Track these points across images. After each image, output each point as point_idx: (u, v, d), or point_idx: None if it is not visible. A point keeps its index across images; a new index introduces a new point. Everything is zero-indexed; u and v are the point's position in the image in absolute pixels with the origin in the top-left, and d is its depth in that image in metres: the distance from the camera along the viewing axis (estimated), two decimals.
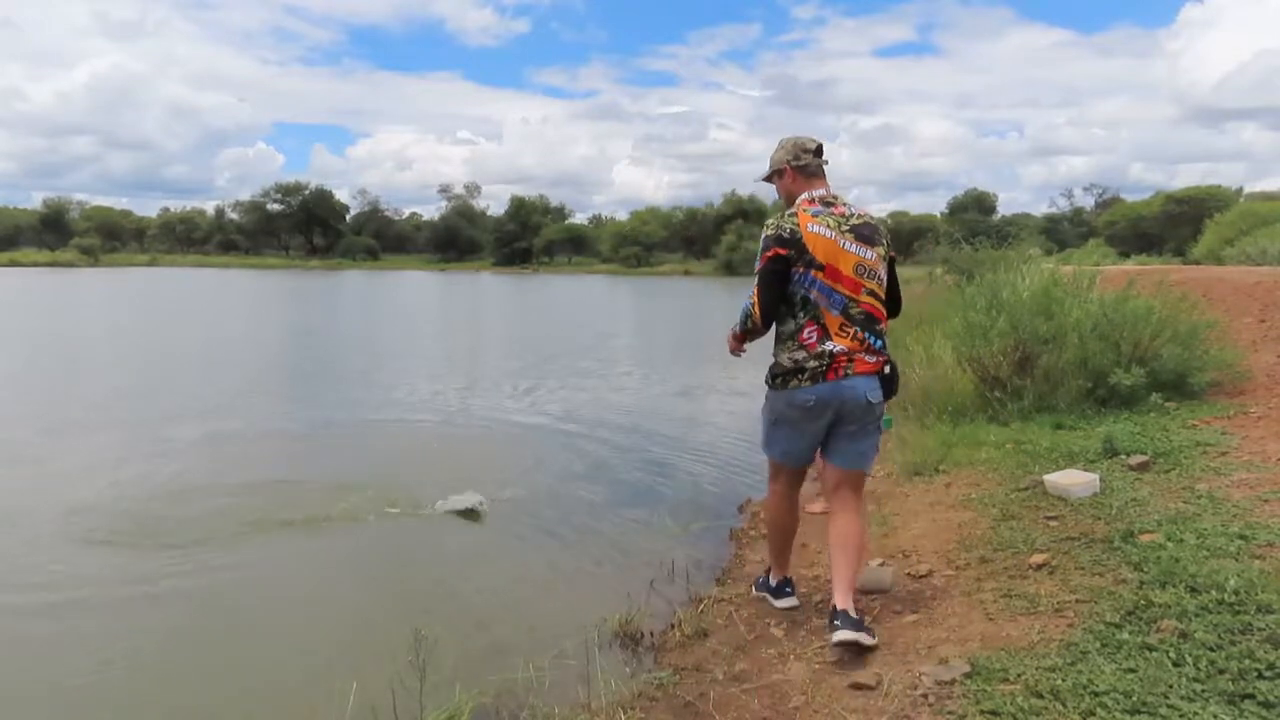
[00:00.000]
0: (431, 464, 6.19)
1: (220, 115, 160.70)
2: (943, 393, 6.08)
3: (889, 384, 2.90)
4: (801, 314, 2.83)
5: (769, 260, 2.85)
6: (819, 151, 3.00)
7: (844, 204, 2.93)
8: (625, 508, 4.97)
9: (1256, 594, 2.46)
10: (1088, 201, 75.46)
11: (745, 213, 67.02)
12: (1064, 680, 2.16)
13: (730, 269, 60.03)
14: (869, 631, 2.69)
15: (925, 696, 2.24)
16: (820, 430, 2.90)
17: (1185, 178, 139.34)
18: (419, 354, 13.80)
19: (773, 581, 3.25)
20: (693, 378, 11.16)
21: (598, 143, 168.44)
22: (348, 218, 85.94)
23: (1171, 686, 2.07)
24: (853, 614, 2.70)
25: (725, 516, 4.81)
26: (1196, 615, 2.39)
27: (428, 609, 3.52)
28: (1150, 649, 2.26)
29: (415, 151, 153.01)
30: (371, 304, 28.28)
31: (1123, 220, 58.47)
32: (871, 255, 2.86)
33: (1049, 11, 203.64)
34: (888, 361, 2.90)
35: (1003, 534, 3.46)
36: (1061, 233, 56.77)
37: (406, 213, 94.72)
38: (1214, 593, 2.50)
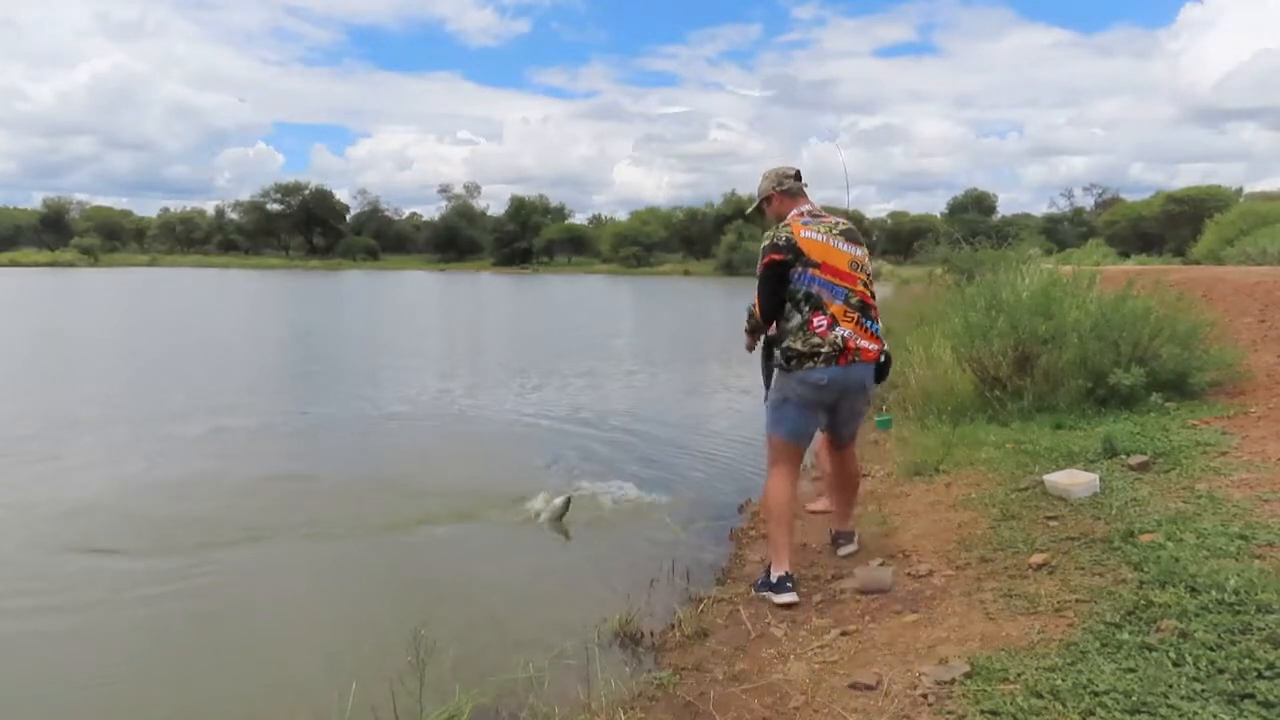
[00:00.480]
0: (431, 463, 6.19)
1: (220, 115, 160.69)
2: (943, 393, 6.08)
3: (883, 370, 3.41)
4: (806, 307, 3.25)
5: (767, 265, 3.31)
6: (798, 176, 3.51)
7: (828, 215, 3.43)
8: (625, 507, 4.97)
9: (1256, 594, 2.45)
10: (1088, 201, 75.62)
11: (745, 213, 66.91)
12: (1064, 680, 2.16)
13: (730, 269, 60.04)
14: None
15: (925, 696, 2.24)
16: (825, 410, 3.38)
17: (1185, 178, 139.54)
18: (422, 354, 13.79)
19: (773, 577, 3.31)
20: (693, 377, 11.16)
21: (598, 143, 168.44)
22: (348, 218, 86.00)
23: (1171, 686, 2.06)
24: (851, 531, 3.73)
25: (725, 516, 4.81)
26: (1196, 615, 2.39)
27: (427, 609, 3.51)
28: (1150, 649, 2.26)
29: (415, 151, 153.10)
30: (373, 304, 28.29)
31: (1123, 220, 58.59)
32: (860, 253, 3.36)
33: (1049, 11, 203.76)
34: (884, 350, 3.38)
35: (1003, 534, 3.46)
36: (1061, 233, 56.72)
37: (406, 213, 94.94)
38: (1214, 593, 2.50)
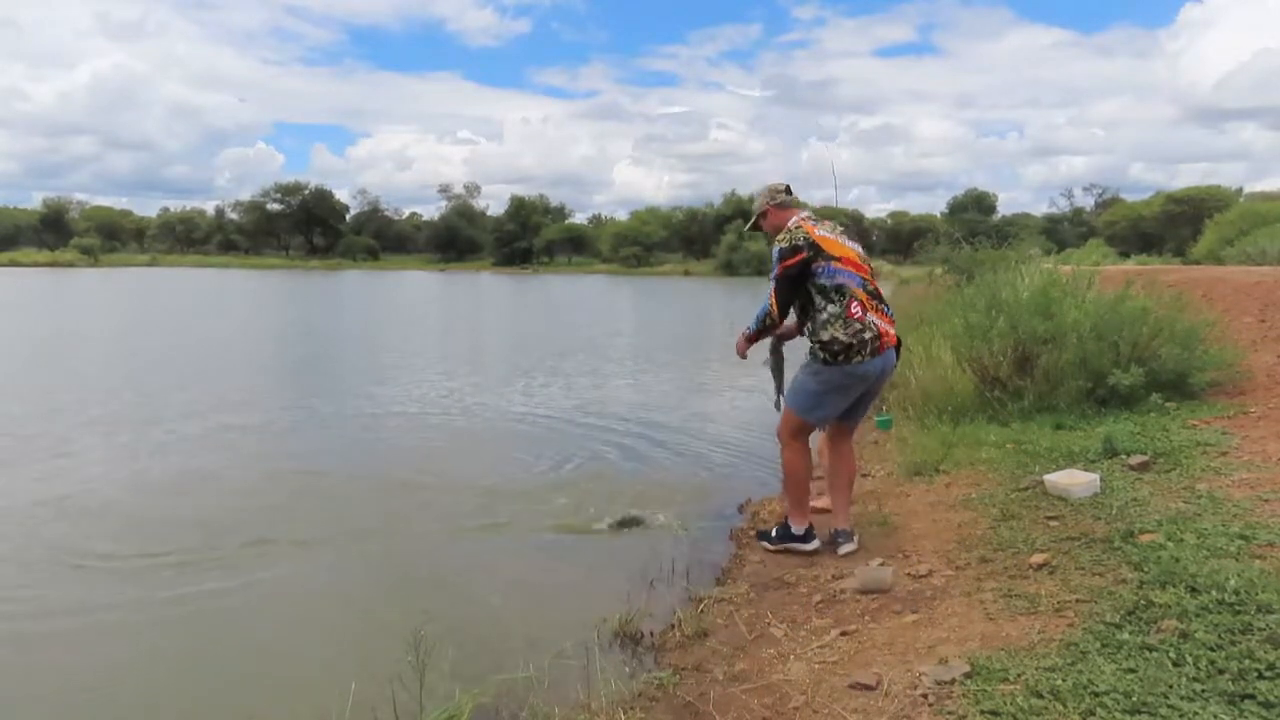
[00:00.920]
0: (430, 463, 6.18)
1: (221, 115, 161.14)
2: (943, 393, 6.08)
3: (897, 354, 3.68)
4: (836, 298, 3.45)
5: (789, 266, 3.48)
6: (789, 190, 3.78)
7: (824, 219, 3.68)
8: (625, 507, 4.96)
9: (1256, 594, 2.45)
10: (1088, 201, 75.61)
11: (745, 213, 66.71)
12: (1064, 680, 2.16)
13: (730, 269, 60.03)
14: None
15: (925, 696, 2.23)
16: (856, 396, 3.64)
17: (1185, 178, 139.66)
18: (424, 353, 13.78)
19: (798, 530, 3.79)
20: (694, 377, 11.16)
21: (598, 143, 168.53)
22: (348, 218, 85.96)
23: (1171, 686, 2.06)
24: (850, 530, 3.79)
25: (725, 516, 4.80)
26: (1196, 615, 2.39)
27: (427, 609, 3.51)
28: (1150, 649, 2.26)
29: (415, 151, 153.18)
30: (373, 304, 28.29)
31: (1123, 220, 58.58)
32: (861, 249, 3.63)
33: (1049, 11, 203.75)
34: (898, 337, 3.65)
35: (1003, 534, 3.46)
36: (1061, 233, 56.70)
37: (406, 213, 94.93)
38: (1214, 593, 2.50)
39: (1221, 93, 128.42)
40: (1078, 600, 2.68)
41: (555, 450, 6.63)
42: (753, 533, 4.25)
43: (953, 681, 2.27)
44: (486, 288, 42.34)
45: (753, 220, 3.87)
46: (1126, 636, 2.36)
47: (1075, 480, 3.80)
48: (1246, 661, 2.11)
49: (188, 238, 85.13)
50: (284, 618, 3.66)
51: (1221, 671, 2.10)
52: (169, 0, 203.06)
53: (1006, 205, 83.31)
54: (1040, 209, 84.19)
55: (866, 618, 2.97)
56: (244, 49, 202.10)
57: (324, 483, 5.68)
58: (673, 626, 3.21)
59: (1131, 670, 2.17)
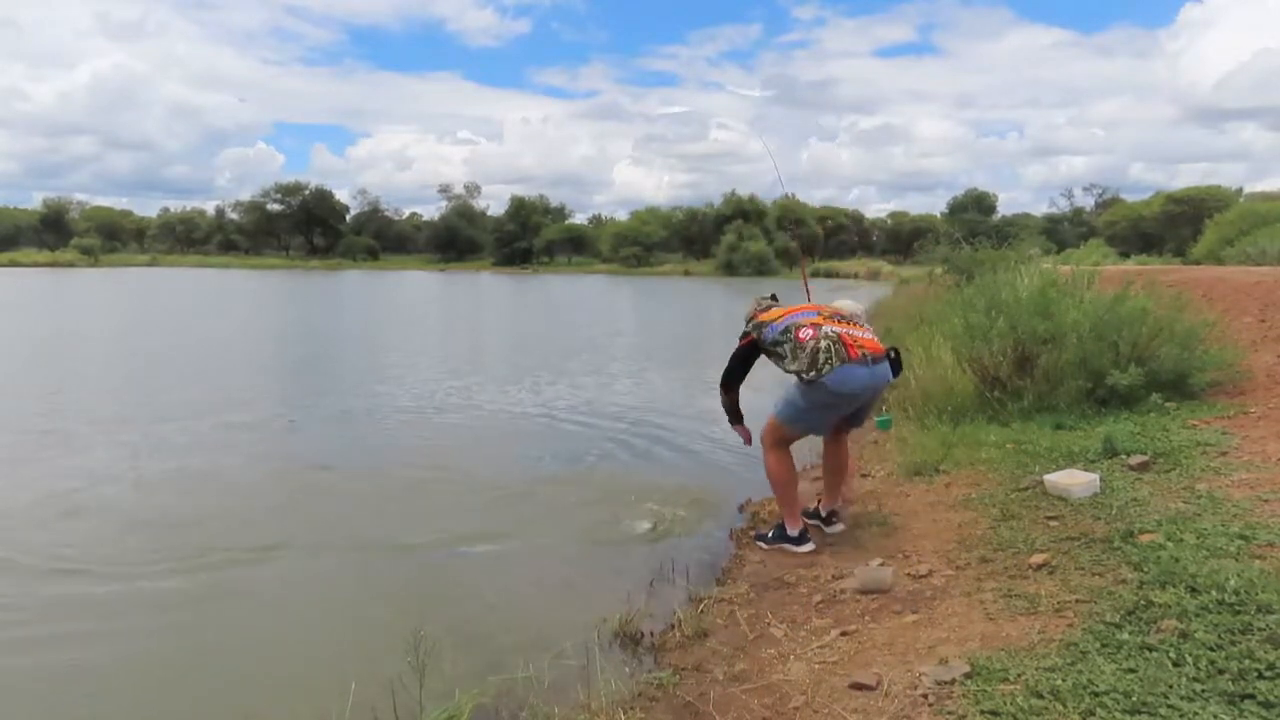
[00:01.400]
0: (430, 463, 6.18)
1: (221, 115, 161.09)
2: (943, 393, 6.08)
3: (896, 366, 3.85)
4: (784, 339, 3.73)
5: (740, 346, 4.00)
6: (774, 297, 4.11)
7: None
8: (625, 507, 4.97)
9: (1256, 594, 2.45)
10: (1088, 201, 75.67)
11: (745, 213, 67.10)
12: (1064, 680, 2.16)
13: (730, 269, 60.02)
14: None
15: (925, 696, 2.23)
16: (845, 410, 3.89)
17: (1185, 178, 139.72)
18: (426, 353, 13.77)
19: (793, 532, 3.89)
20: (695, 376, 11.15)
21: (598, 143, 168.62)
22: (348, 218, 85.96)
23: (1171, 686, 2.06)
24: (838, 511, 4.10)
25: (725, 516, 4.81)
26: (1196, 615, 2.39)
27: (427, 609, 3.52)
28: (1150, 649, 2.26)
29: (415, 151, 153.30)
30: (374, 304, 28.28)
31: (1123, 220, 58.57)
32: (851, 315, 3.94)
33: (1049, 11, 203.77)
34: (892, 348, 3.89)
35: (1003, 534, 3.46)
36: (1061, 233, 56.72)
37: (406, 213, 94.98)
38: (1214, 593, 2.50)
39: (1221, 93, 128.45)
40: (1078, 600, 2.68)
41: (555, 450, 6.63)
42: (752, 533, 4.26)
43: (953, 681, 2.27)
44: (486, 288, 42.32)
45: (746, 329, 4.06)
46: (1126, 636, 2.36)
47: (1075, 480, 3.80)
48: (1246, 661, 2.11)
49: (188, 238, 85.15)
50: (284, 617, 3.65)
51: (1221, 671, 2.09)
52: (169, 0, 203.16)
53: (1006, 205, 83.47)
54: (1040, 209, 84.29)
55: (866, 618, 2.97)
56: (244, 49, 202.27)
57: (324, 482, 5.68)
58: (673, 626, 3.21)
59: (1131, 670, 2.17)
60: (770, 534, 4.02)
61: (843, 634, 2.84)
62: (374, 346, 15.06)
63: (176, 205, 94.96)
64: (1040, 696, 2.11)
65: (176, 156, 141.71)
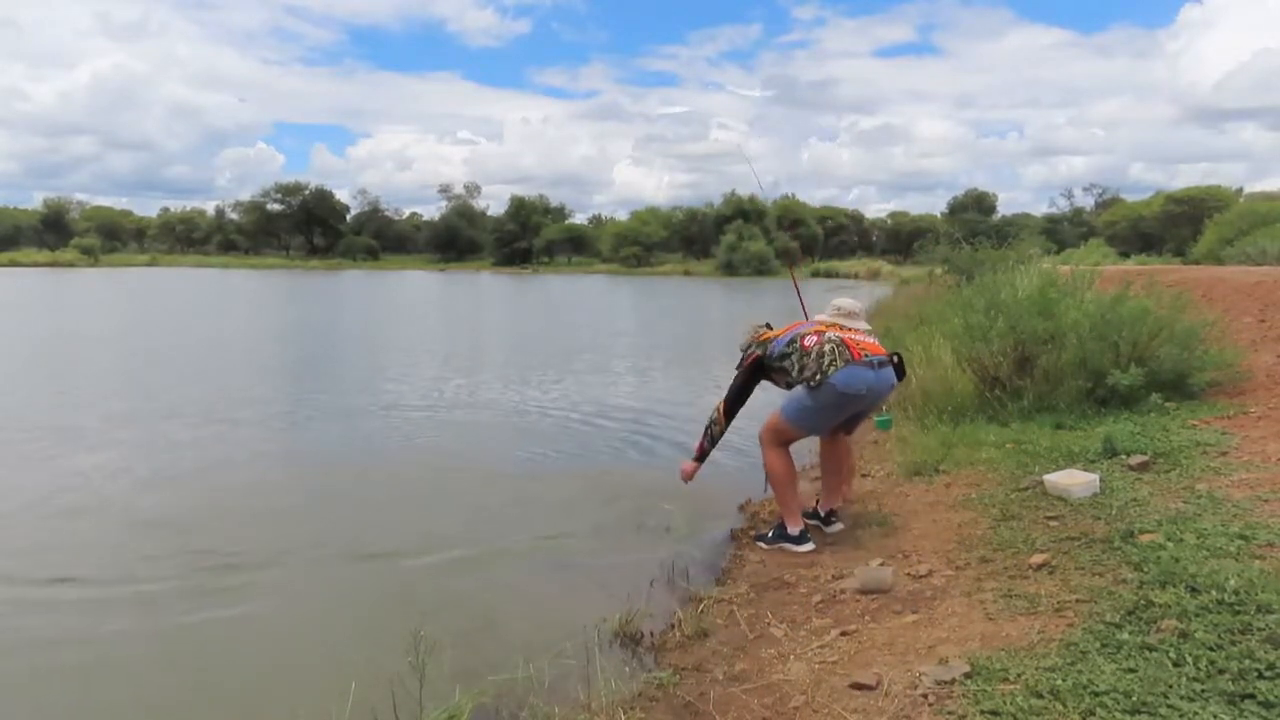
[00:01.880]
0: (430, 463, 6.18)
1: (221, 115, 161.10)
2: (943, 393, 6.08)
3: (899, 370, 3.96)
4: (790, 350, 3.92)
5: (743, 365, 4.18)
6: (769, 325, 4.24)
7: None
8: (625, 507, 4.97)
9: (1256, 594, 2.45)
10: (1088, 201, 75.71)
11: (745, 213, 67.03)
12: (1064, 680, 2.16)
13: (730, 269, 60.00)
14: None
15: (925, 696, 2.23)
16: (850, 411, 3.98)
17: (1185, 178, 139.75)
18: (428, 353, 13.77)
19: (793, 531, 3.92)
20: (695, 376, 11.15)
21: (598, 143, 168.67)
22: (348, 218, 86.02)
23: (1171, 686, 2.06)
24: (837, 510, 4.16)
25: (725, 516, 4.80)
26: (1196, 615, 2.39)
27: (427, 609, 3.51)
28: (1150, 649, 2.26)
29: (415, 151, 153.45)
30: (375, 304, 28.27)
31: (1123, 220, 58.62)
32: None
33: (1049, 11, 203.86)
34: (896, 353, 4.00)
35: (1003, 534, 3.46)
36: (1061, 233, 56.71)
37: (406, 213, 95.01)
38: (1214, 593, 2.50)
39: (1221, 93, 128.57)
40: (1078, 600, 2.68)
41: (554, 449, 6.63)
42: (752, 533, 4.26)
43: (953, 681, 2.27)
44: (487, 288, 42.31)
45: (743, 355, 4.21)
46: (1126, 636, 2.36)
47: (1075, 480, 3.80)
48: (1246, 661, 2.11)
49: (188, 238, 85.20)
50: (284, 617, 3.65)
51: (1221, 671, 2.09)
52: (169, 0, 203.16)
53: (1006, 205, 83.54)
54: (1040, 209, 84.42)
55: (866, 618, 2.97)
56: (244, 49, 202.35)
57: (323, 482, 5.68)
58: (673, 626, 3.21)
59: (1131, 670, 2.17)
60: (770, 534, 4.03)
61: (843, 634, 2.84)
62: (374, 346, 15.05)
63: (176, 205, 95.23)
64: (1040, 696, 2.11)
65: (176, 156, 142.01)
